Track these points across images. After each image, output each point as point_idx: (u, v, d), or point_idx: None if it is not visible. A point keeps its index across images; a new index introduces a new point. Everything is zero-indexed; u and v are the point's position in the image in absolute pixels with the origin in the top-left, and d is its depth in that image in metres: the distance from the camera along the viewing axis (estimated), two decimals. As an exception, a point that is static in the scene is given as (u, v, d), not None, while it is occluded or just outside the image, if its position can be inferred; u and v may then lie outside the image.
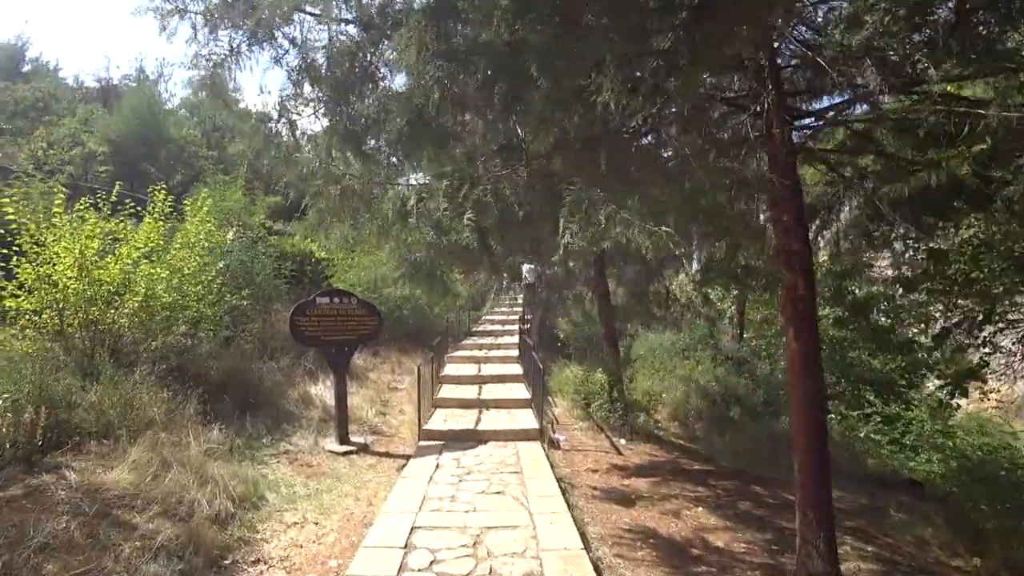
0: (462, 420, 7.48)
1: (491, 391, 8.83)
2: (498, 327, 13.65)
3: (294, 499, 5.15)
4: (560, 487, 5.53)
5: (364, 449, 6.62)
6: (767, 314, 13.19)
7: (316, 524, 4.68)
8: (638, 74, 2.61)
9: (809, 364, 4.24)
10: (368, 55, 3.03)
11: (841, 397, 10.14)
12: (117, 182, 7.60)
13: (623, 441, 8.27)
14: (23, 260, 5.92)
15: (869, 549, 5.66)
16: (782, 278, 3.77)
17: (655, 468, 7.42)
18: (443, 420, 7.48)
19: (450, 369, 10.07)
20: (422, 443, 6.74)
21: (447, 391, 8.78)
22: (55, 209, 6.33)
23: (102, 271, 6.24)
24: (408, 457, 6.40)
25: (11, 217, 6.07)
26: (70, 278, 6.05)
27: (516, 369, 10.05)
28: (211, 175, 12.42)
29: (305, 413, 7.45)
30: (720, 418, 10.88)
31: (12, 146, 11.47)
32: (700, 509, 5.89)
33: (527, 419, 7.61)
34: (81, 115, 13.77)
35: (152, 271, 6.73)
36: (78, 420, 4.82)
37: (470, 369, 10.15)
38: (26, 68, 19.24)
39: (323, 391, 7.99)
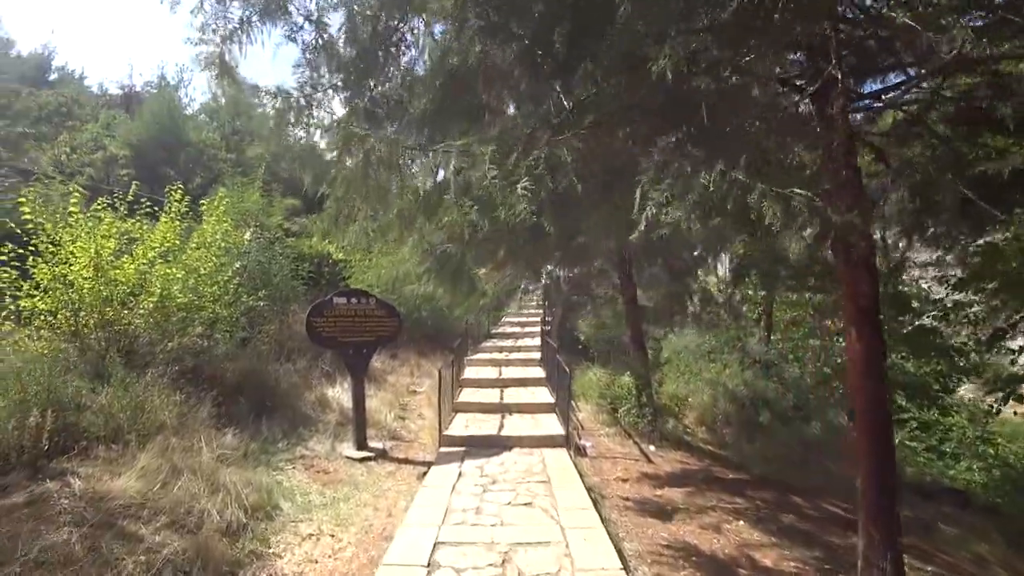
0: (484, 425, 7.10)
1: (513, 395, 8.44)
2: (518, 329, 13.25)
3: (310, 508, 4.82)
4: (591, 498, 5.12)
5: (383, 455, 6.27)
6: (795, 315, 12.66)
7: (332, 536, 4.33)
8: (704, 41, 2.23)
9: (872, 366, 3.79)
10: (393, 21, 2.69)
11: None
12: (134, 182, 7.42)
13: (652, 448, 7.83)
14: (39, 260, 5.75)
15: (929, 569, 5.15)
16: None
17: (688, 477, 6.96)
18: (464, 425, 7.11)
19: (471, 372, 9.70)
20: (443, 449, 6.38)
21: (468, 395, 8.41)
22: (71, 208, 6.18)
23: (118, 271, 6.07)
24: (429, 464, 6.04)
25: (28, 217, 5.95)
26: (85, 278, 5.89)
27: (538, 372, 9.65)
28: (230, 177, 12.27)
29: (322, 416, 7.14)
30: (749, 423, 10.38)
31: (36, 150, 11.44)
32: (741, 523, 5.43)
33: (552, 424, 7.21)
34: (103, 120, 13.76)
35: (168, 271, 6.53)
36: (86, 424, 4.55)
37: (491, 372, 9.78)
38: (53, 77, 19.44)
39: (340, 394, 7.69)
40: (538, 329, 12.56)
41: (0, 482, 3.79)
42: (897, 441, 9.75)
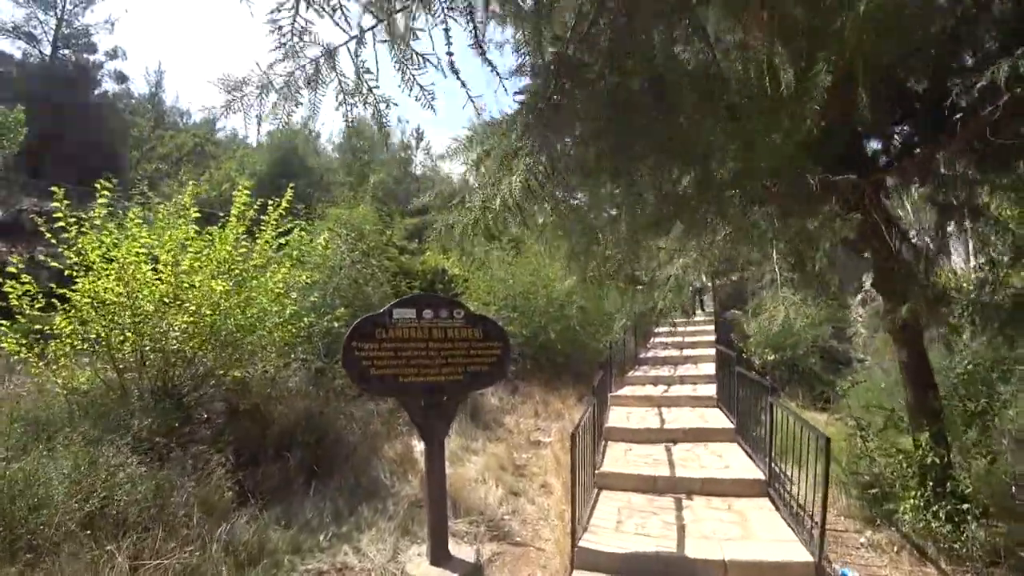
0: (649, 523, 3.84)
1: (690, 459, 5.02)
2: (675, 352, 9.56)
3: None
4: None
5: (471, 576, 3.43)
6: None
7: None
8: None
9: None
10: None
11: None
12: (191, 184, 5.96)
13: (980, 582, 3.81)
14: (74, 273, 4.55)
15: None
16: None
17: None
18: (614, 522, 3.92)
19: (617, 417, 6.44)
20: (576, 577, 3.31)
21: (615, 457, 5.20)
22: (96, 210, 4.85)
23: (150, 286, 4.59)
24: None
25: (62, 225, 4.64)
26: (118, 294, 4.43)
27: (721, 419, 6.05)
28: (345, 199, 11.15)
29: (398, 486, 4.62)
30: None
31: (174, 188, 11.54)
32: None
33: (772, 528, 3.75)
34: (239, 157, 14.06)
35: (210, 284, 4.78)
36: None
37: (648, 418, 6.37)
38: (219, 135, 21.59)
39: (429, 450, 5.12)
40: (705, 352, 8.82)
41: None
42: None
